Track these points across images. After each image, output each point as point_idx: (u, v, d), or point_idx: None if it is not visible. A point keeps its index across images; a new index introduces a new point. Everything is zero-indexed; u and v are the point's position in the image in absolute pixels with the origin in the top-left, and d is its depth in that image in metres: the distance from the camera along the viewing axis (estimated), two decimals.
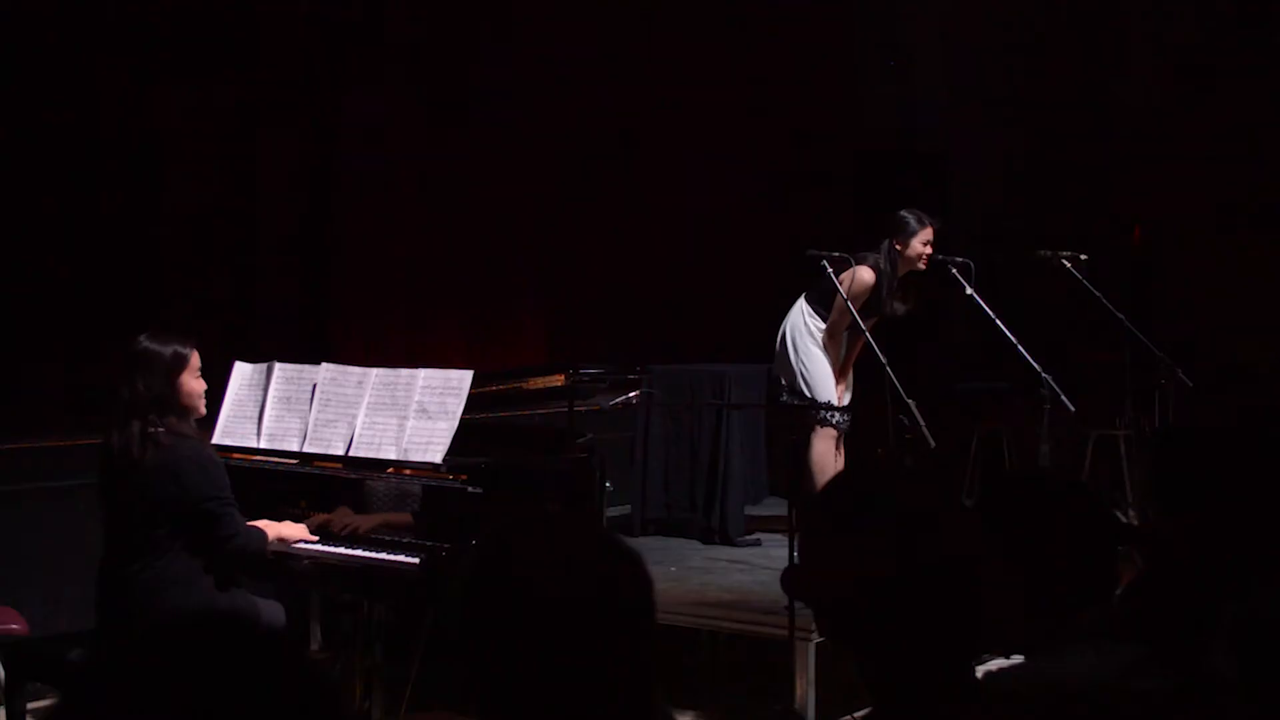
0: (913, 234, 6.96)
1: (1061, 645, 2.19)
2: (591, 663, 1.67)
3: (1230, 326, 9.26)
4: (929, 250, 6.96)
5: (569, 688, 1.66)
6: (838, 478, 2.28)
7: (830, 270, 6.78)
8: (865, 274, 6.92)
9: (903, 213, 7.06)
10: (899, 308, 7.07)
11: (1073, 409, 6.31)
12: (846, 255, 7.02)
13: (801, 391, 6.99)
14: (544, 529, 1.80)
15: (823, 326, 7.02)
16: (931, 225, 6.99)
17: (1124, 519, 7.12)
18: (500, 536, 1.77)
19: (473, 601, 1.72)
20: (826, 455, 7.03)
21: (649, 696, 1.73)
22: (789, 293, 7.15)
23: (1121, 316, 6.81)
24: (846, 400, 7.24)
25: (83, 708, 1.27)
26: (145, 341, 4.59)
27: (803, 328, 7.07)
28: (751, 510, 7.73)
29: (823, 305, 7.04)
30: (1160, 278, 9.93)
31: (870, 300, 6.90)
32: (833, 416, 7.02)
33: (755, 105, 10.27)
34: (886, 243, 7.01)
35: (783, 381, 7.11)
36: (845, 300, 6.69)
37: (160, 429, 4.51)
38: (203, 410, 4.75)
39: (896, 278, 7.01)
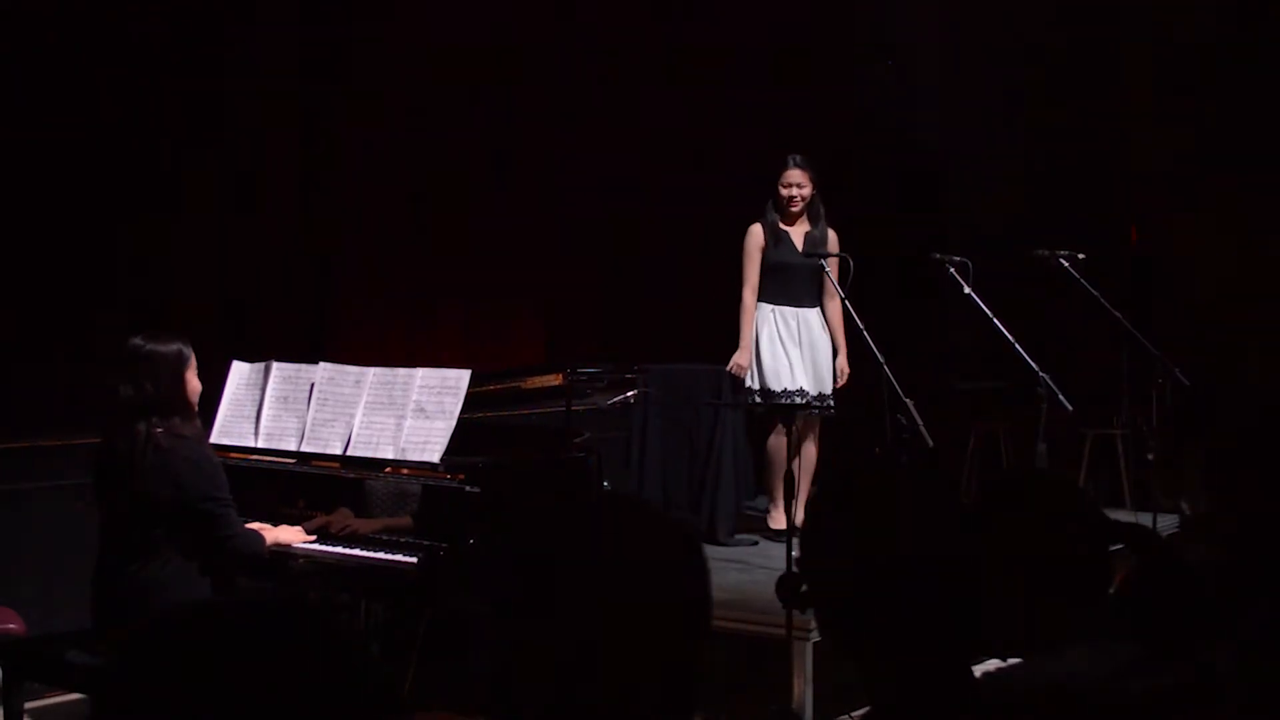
0: (778, 179, 7.27)
1: (1058, 645, 2.19)
2: (640, 657, 1.59)
3: (1228, 326, 9.27)
4: (790, 191, 7.22)
5: (612, 682, 1.58)
6: (831, 479, 2.28)
7: (827, 270, 6.82)
8: (752, 227, 7.28)
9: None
10: (815, 244, 7.19)
11: (1070, 408, 6.31)
12: (845, 255, 7.06)
13: (748, 386, 7.10)
14: (592, 513, 1.70)
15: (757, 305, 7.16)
16: (794, 167, 7.25)
17: (1121, 517, 7.11)
18: (545, 520, 1.67)
19: (515, 586, 1.63)
20: (778, 448, 7.16)
21: (690, 693, 1.64)
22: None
23: (1119, 316, 6.81)
24: (821, 385, 7.22)
25: (122, 702, 1.26)
26: (148, 342, 4.58)
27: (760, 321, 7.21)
28: (752, 508, 7.78)
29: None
30: (1158, 277, 9.94)
31: (769, 245, 7.17)
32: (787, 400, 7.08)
33: (752, 107, 10.27)
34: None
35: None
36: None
37: (160, 430, 4.51)
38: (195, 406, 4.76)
39: (779, 221, 7.25)
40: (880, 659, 1.96)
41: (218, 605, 1.31)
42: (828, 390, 7.21)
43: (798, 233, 7.23)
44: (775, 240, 7.18)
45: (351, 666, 1.28)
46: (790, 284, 7.10)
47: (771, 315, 7.16)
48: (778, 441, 7.19)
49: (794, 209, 7.21)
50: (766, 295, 7.18)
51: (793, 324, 7.15)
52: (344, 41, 8.00)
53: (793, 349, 7.12)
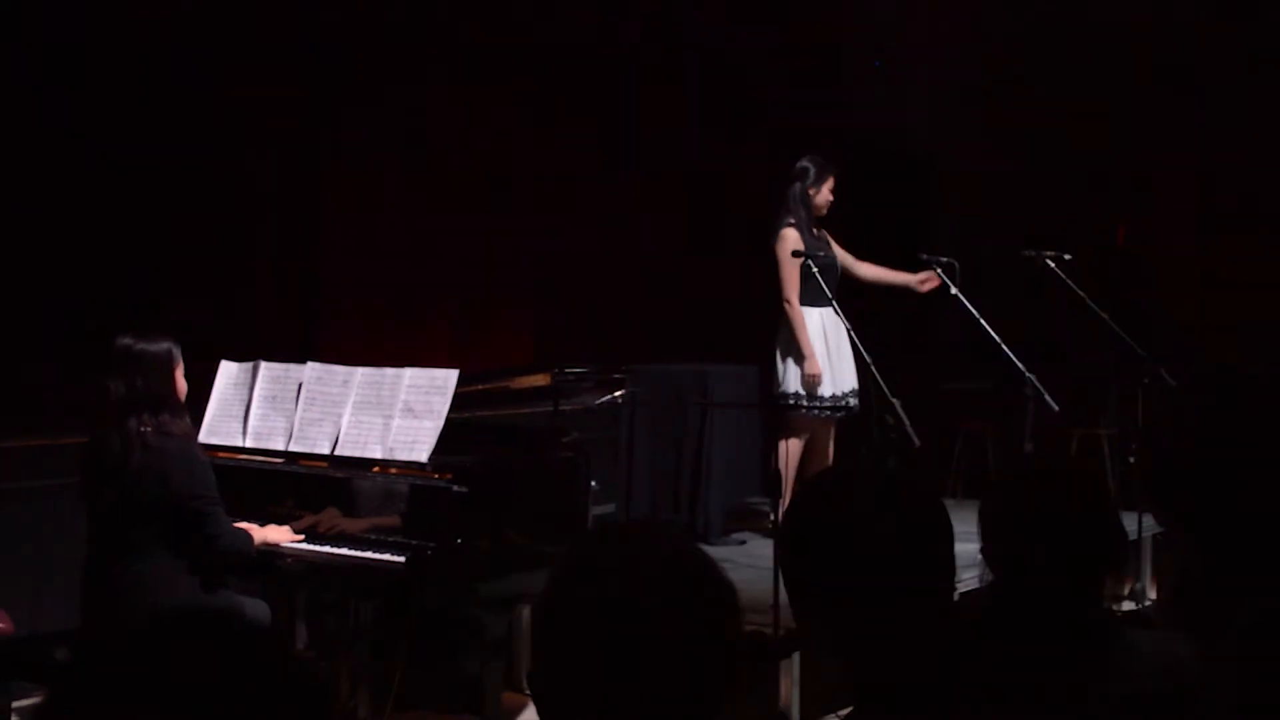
0: (822, 180, 7.17)
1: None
2: (675, 681, 1.61)
3: (1214, 326, 9.30)
4: (832, 197, 7.19)
5: (643, 702, 1.61)
6: (812, 480, 2.29)
7: (815, 270, 6.80)
8: (789, 230, 7.04)
9: (804, 162, 7.23)
10: (824, 248, 7.12)
11: (1056, 408, 6.33)
12: (832, 256, 7.06)
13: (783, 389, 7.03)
14: (638, 540, 1.73)
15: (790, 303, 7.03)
16: (834, 174, 7.21)
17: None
18: (594, 544, 1.73)
19: (559, 605, 1.66)
20: (793, 453, 7.08)
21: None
22: (773, 293, 7.16)
23: (1105, 316, 6.83)
24: (837, 385, 7.14)
25: (68, 705, 1.27)
26: (138, 341, 4.59)
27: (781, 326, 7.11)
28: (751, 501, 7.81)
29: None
30: (1144, 277, 9.97)
31: (809, 248, 6.94)
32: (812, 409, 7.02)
33: (741, 105, 10.29)
34: (796, 188, 7.15)
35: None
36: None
37: (149, 429, 4.51)
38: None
39: (811, 223, 7.14)
40: (868, 661, 1.97)
41: (157, 621, 1.33)
42: (855, 384, 7.13)
43: (820, 235, 7.19)
44: (813, 243, 7.06)
45: (283, 679, 1.29)
46: (826, 286, 6.97)
47: (819, 319, 7.07)
48: (793, 447, 7.12)
49: (824, 214, 7.21)
50: (808, 299, 7.00)
51: (829, 326, 7.07)
52: (337, 44, 8.00)
53: (829, 353, 7.08)
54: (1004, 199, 10.60)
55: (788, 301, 7.02)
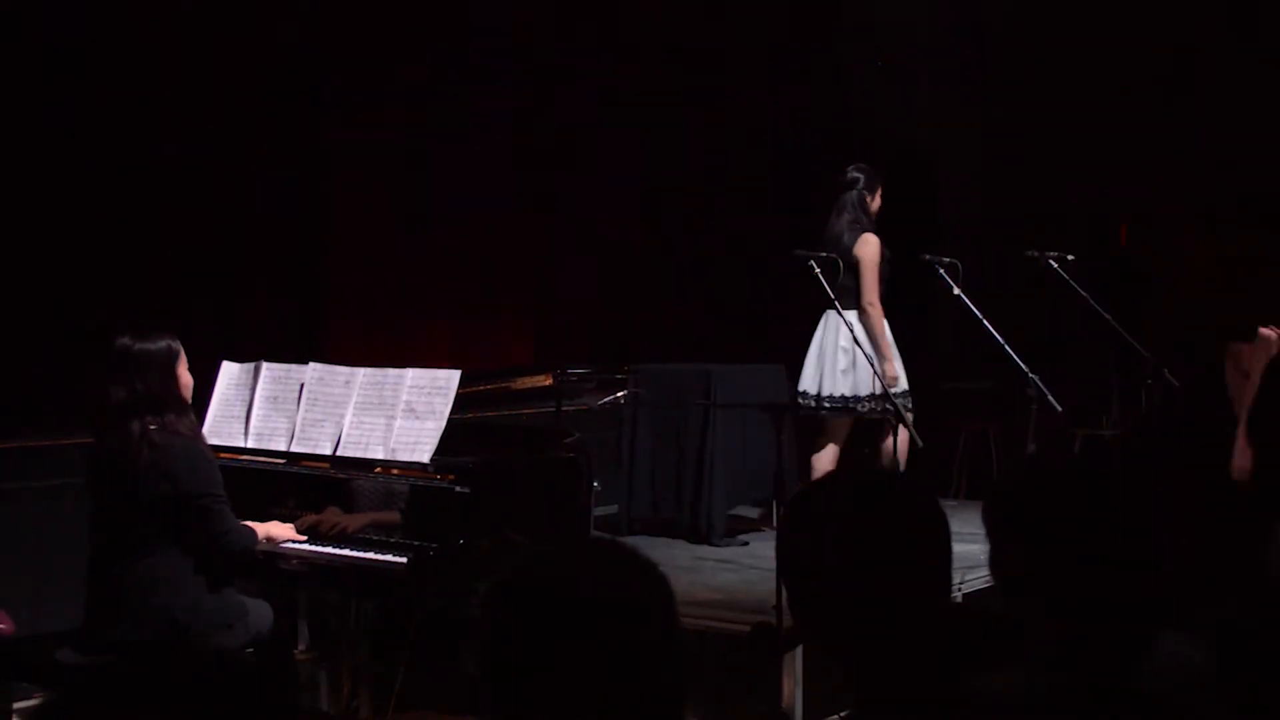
0: (874, 188, 7.27)
1: (987, 665, 2.19)
2: (621, 684, 1.65)
3: (1214, 326, 9.29)
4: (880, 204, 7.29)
5: (599, 711, 1.64)
6: (817, 483, 2.28)
7: (817, 270, 6.78)
8: (872, 236, 7.09)
9: (854, 171, 7.29)
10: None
11: (1059, 408, 6.32)
12: (834, 255, 7.05)
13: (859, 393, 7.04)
14: (566, 554, 1.81)
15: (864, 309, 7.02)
16: (882, 181, 7.32)
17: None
18: (521, 569, 1.76)
19: (499, 631, 1.72)
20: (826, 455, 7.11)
21: (678, 710, 1.70)
22: (776, 292, 7.16)
23: (1108, 316, 6.82)
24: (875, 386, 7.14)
25: (72, 707, 1.27)
26: (136, 342, 4.57)
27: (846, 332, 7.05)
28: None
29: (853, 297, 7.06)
30: (1145, 277, 9.97)
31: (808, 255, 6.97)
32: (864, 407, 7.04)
33: (741, 104, 10.28)
34: (856, 195, 7.20)
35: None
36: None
37: (154, 427, 4.50)
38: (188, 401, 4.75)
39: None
40: (869, 663, 1.97)
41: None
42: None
43: None
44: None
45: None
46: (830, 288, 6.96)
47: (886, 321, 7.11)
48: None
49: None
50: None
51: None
52: (335, 46, 7.99)
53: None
54: (1004, 199, 10.60)
55: (870, 304, 7.02)
